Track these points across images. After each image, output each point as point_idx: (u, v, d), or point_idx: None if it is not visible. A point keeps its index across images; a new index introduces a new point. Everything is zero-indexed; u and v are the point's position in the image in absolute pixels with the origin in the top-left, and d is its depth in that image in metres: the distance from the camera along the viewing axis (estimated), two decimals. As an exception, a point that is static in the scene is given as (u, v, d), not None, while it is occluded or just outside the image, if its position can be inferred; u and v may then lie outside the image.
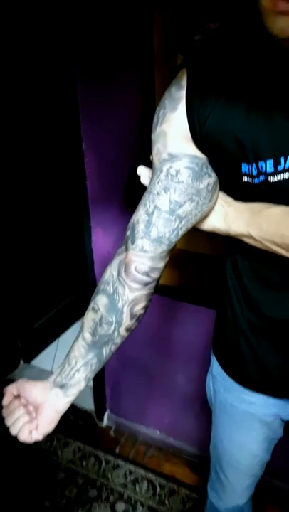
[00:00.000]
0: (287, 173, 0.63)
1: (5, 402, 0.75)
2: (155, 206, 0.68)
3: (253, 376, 0.89)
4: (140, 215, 0.69)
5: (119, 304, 0.70)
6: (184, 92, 0.65)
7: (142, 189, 1.36)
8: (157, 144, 0.68)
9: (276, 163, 0.63)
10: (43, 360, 2.33)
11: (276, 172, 0.63)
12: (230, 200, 0.72)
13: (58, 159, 2.05)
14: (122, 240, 1.39)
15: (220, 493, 1.15)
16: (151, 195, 0.69)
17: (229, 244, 0.85)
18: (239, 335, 0.87)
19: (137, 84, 1.15)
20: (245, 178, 0.67)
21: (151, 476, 1.71)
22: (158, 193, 0.68)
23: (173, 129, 0.66)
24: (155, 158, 0.69)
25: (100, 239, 1.45)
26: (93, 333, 0.71)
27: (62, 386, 0.72)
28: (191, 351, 1.51)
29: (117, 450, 1.81)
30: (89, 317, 0.72)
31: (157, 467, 1.74)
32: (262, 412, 0.93)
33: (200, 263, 1.30)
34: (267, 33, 0.59)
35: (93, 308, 0.71)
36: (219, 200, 0.73)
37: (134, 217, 0.70)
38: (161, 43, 1.08)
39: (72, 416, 1.96)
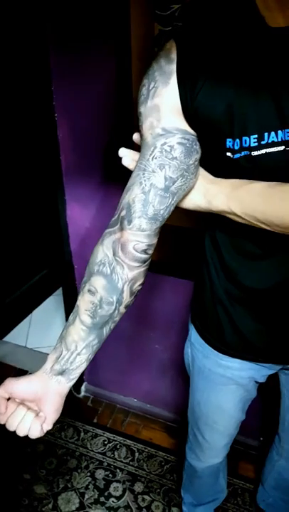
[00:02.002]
0: (270, 148, 0.65)
1: (1, 409, 0.69)
2: (151, 184, 0.68)
3: (229, 342, 0.92)
4: (136, 194, 0.68)
5: (119, 284, 0.69)
6: (174, 66, 0.65)
7: (119, 161, 1.35)
8: (150, 118, 0.68)
9: (260, 139, 0.64)
10: (16, 335, 2.31)
11: (260, 147, 0.65)
12: (211, 177, 0.74)
13: (30, 130, 1.99)
14: (102, 215, 1.38)
15: (198, 453, 1.21)
16: (146, 173, 0.68)
17: (208, 219, 0.86)
18: (217, 303, 0.90)
19: (112, 51, 1.12)
20: (228, 153, 0.68)
21: (129, 442, 1.76)
22: (153, 171, 0.67)
23: (166, 104, 0.66)
24: (147, 132, 0.68)
25: (75, 213, 1.44)
26: (93, 315, 0.70)
27: (63, 372, 0.70)
28: (168, 321, 1.54)
29: (95, 420, 1.86)
30: (86, 300, 0.70)
31: (135, 433, 1.80)
32: (238, 375, 0.98)
33: (177, 236, 1.32)
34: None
35: (90, 291, 0.70)
36: (200, 178, 0.73)
37: (129, 197, 0.69)
38: (137, 10, 1.05)
39: (50, 389, 1.98)
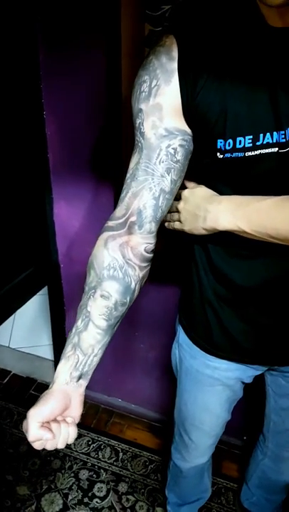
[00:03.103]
0: (264, 149, 0.65)
1: (49, 436, 0.66)
2: (161, 189, 0.69)
3: (217, 343, 0.93)
4: (146, 199, 0.69)
5: (132, 285, 0.72)
6: (176, 65, 0.65)
7: (108, 160, 1.34)
8: (152, 117, 0.67)
9: (255, 139, 0.65)
10: (-1, 335, 2.29)
11: (254, 147, 0.65)
12: (208, 195, 0.75)
13: (17, 127, 1.96)
14: (90, 214, 1.36)
15: (184, 454, 1.21)
16: (155, 178, 0.69)
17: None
18: (205, 304, 0.90)
19: (103, 51, 1.11)
20: (218, 154, 0.68)
21: (113, 442, 1.76)
22: (162, 176, 0.69)
23: (168, 103, 0.66)
24: (150, 131, 0.68)
25: (63, 212, 1.42)
26: (108, 318, 0.71)
27: (82, 375, 0.71)
28: (153, 320, 1.54)
29: (79, 420, 1.84)
30: (99, 305, 0.70)
31: (119, 434, 1.79)
32: (225, 376, 0.98)
33: (163, 235, 1.31)
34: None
35: (103, 296, 0.70)
36: (197, 199, 0.75)
37: (139, 202, 0.70)
38: (128, 10, 1.05)
39: (33, 390, 1.96)
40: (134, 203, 0.70)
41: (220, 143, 0.67)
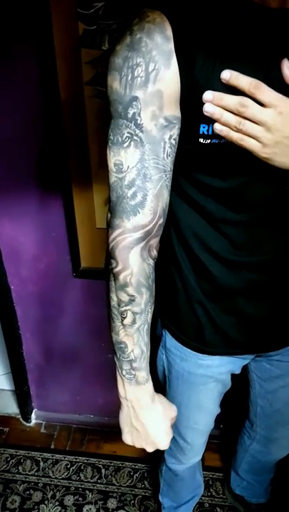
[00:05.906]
0: None
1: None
2: (171, 182, 0.67)
3: (210, 340, 0.91)
4: (166, 198, 0.68)
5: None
6: (172, 45, 0.58)
7: (53, 169, 1.25)
8: (151, 107, 0.61)
9: None
10: None
11: None
12: None
13: None
14: (37, 228, 1.28)
15: (179, 457, 1.19)
16: (167, 173, 0.65)
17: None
18: (194, 304, 0.88)
19: (34, 53, 1.03)
20: (201, 139, 0.65)
21: (93, 460, 1.69)
22: (171, 169, 0.66)
23: (169, 90, 0.60)
24: (150, 123, 0.62)
25: (7, 229, 1.32)
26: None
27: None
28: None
29: (53, 445, 1.74)
30: (151, 312, 0.75)
31: (97, 450, 1.73)
32: (218, 372, 0.97)
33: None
34: None
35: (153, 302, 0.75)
36: None
37: (162, 203, 0.67)
38: (58, 8, 0.98)
39: (-4, 424, 1.82)
40: (158, 205, 0.66)
41: (203, 128, 0.63)
